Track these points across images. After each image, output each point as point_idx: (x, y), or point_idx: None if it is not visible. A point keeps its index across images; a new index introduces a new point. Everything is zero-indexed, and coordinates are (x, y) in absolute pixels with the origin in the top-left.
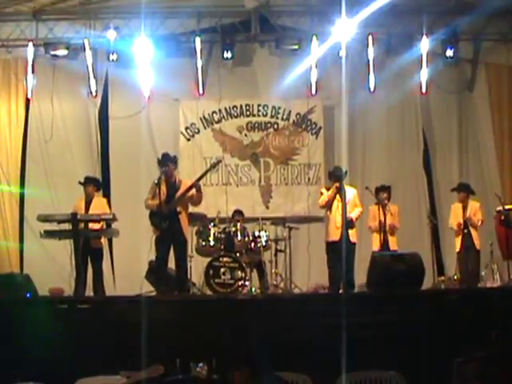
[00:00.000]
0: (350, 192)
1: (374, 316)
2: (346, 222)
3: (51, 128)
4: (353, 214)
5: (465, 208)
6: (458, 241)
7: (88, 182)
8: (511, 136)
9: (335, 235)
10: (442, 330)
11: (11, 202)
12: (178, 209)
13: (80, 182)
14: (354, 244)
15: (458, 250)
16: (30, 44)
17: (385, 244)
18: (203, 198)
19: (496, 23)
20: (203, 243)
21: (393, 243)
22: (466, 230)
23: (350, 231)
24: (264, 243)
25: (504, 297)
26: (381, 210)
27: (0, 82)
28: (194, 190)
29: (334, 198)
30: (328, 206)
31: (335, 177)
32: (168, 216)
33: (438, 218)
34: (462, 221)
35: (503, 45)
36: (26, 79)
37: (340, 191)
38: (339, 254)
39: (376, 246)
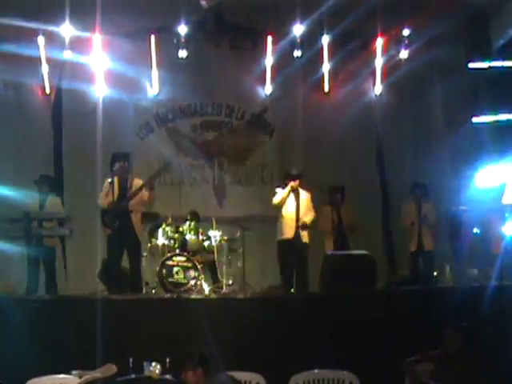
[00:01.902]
0: (304, 195)
1: (327, 316)
2: (299, 221)
3: (3, 124)
4: (307, 218)
5: (419, 208)
6: (412, 241)
7: (43, 180)
8: (464, 137)
9: (288, 234)
10: (395, 329)
11: None
12: (130, 208)
13: (35, 181)
14: (306, 244)
15: (411, 249)
16: None
17: (339, 245)
18: (156, 198)
19: (448, 25)
20: (156, 242)
21: (348, 243)
22: (419, 230)
23: (302, 232)
24: (217, 243)
25: (456, 296)
26: (334, 210)
27: None
28: (145, 190)
29: (288, 197)
30: (282, 205)
31: (291, 176)
32: (120, 215)
33: (391, 218)
34: (416, 220)
35: (456, 46)
36: None
37: (295, 191)
38: (291, 253)
39: (329, 247)
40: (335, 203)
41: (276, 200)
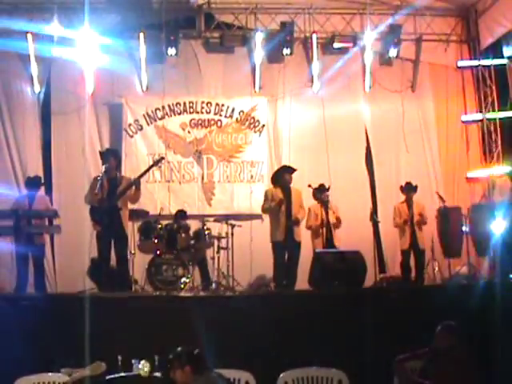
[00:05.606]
0: (296, 192)
1: (316, 313)
2: (291, 222)
3: None
4: (299, 215)
5: (409, 207)
6: (405, 239)
7: (32, 179)
8: (453, 135)
9: (282, 234)
10: (384, 326)
11: None
12: (119, 205)
13: (25, 181)
14: (299, 243)
15: (403, 248)
16: None
17: (328, 241)
18: (147, 195)
19: (437, 24)
20: (145, 240)
21: (337, 239)
22: (411, 229)
23: (295, 230)
24: (206, 240)
25: (445, 294)
26: (322, 208)
27: None
28: (133, 188)
29: (277, 207)
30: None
31: (288, 170)
32: (108, 211)
33: (379, 217)
34: (408, 220)
35: (444, 45)
36: None
37: (286, 188)
38: (285, 253)
39: (319, 245)
40: (323, 201)
41: (266, 209)
